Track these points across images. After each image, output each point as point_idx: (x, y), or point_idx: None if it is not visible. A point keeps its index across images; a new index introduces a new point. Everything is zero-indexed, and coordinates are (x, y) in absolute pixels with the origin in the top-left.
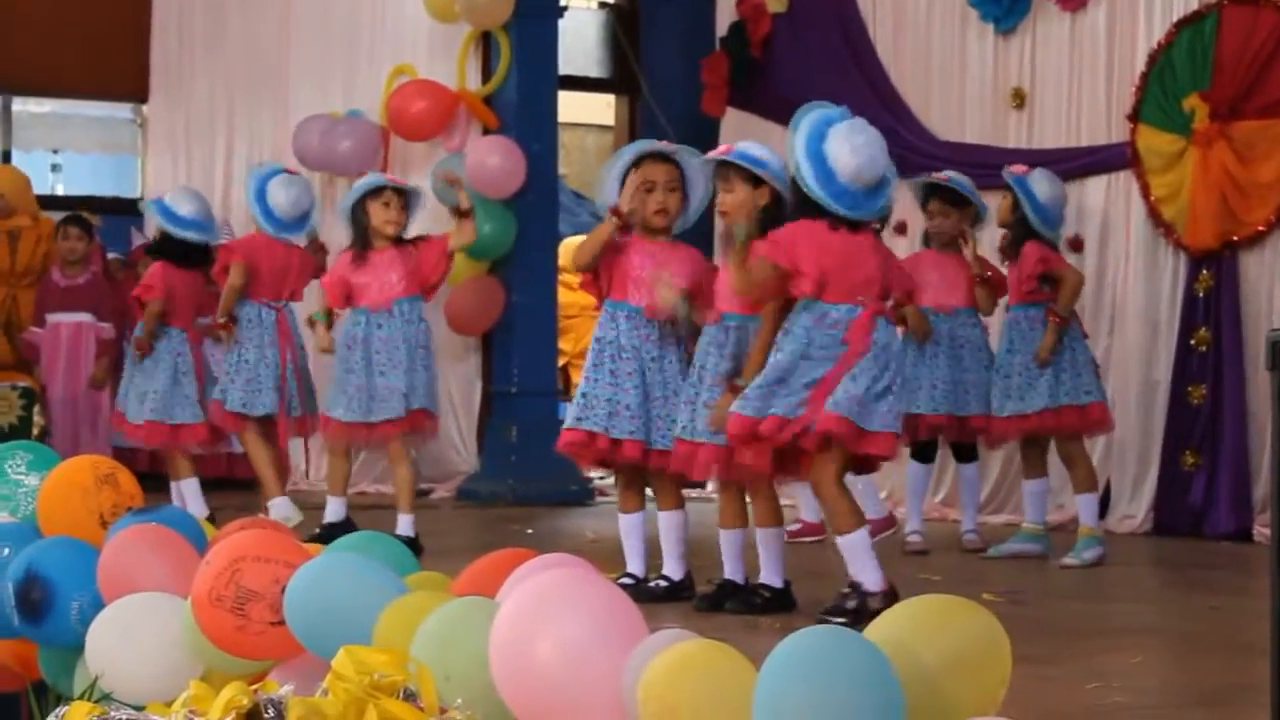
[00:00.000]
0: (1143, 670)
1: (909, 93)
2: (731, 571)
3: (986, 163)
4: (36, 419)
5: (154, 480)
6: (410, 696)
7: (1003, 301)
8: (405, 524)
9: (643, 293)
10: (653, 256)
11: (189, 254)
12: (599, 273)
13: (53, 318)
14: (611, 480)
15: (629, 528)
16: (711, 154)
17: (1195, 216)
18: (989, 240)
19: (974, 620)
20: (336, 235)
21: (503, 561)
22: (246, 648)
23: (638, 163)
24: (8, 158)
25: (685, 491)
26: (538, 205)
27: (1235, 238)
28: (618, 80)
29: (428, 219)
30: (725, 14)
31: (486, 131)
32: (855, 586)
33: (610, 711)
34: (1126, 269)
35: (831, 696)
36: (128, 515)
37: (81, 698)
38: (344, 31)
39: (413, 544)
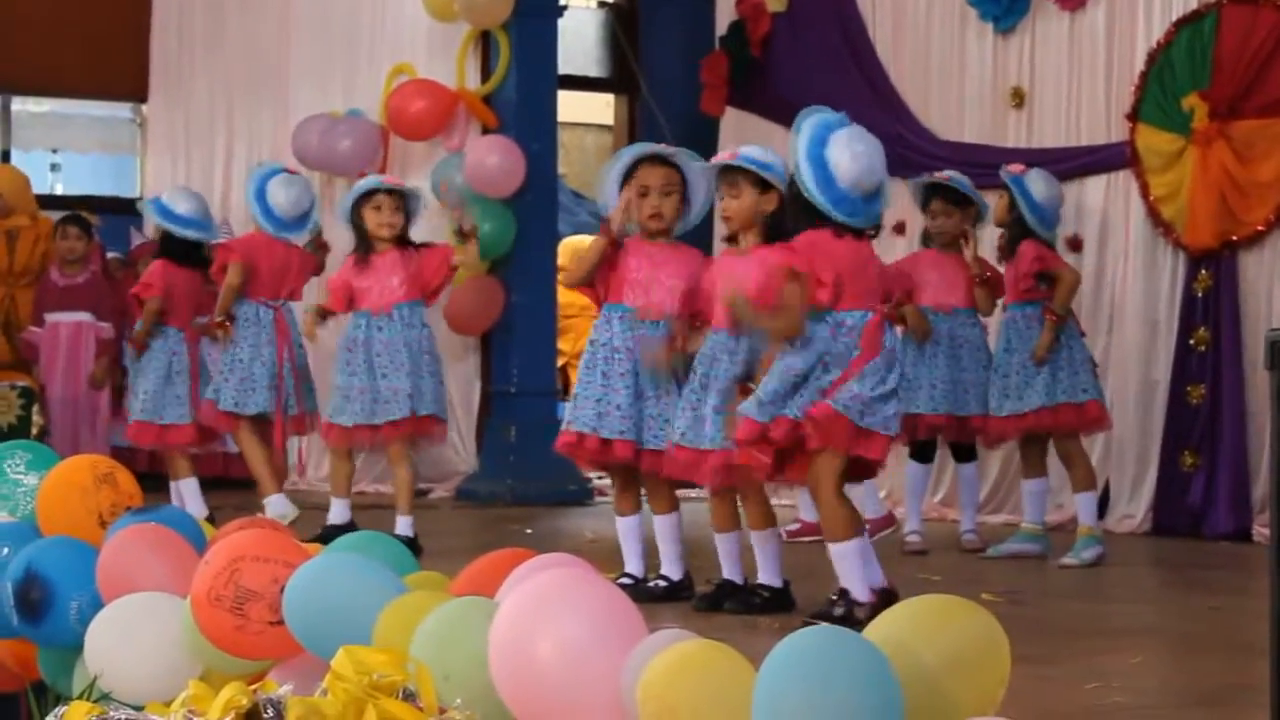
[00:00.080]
0: (1142, 670)
1: (908, 92)
2: (730, 572)
3: (986, 162)
4: (35, 418)
5: (153, 480)
6: (409, 696)
7: (1000, 301)
8: (404, 525)
9: (637, 293)
10: (649, 258)
11: (188, 252)
12: (595, 282)
13: (52, 317)
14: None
15: (626, 529)
16: (717, 158)
17: (1194, 216)
18: (988, 240)
19: (973, 620)
20: (336, 235)
21: (502, 561)
22: (245, 647)
23: (635, 166)
24: (7, 157)
25: (680, 492)
26: (537, 205)
27: (1234, 237)
28: (617, 80)
29: (429, 218)
30: (725, 13)
31: (486, 131)
32: (844, 593)
33: (609, 711)
34: (1125, 268)
35: (830, 696)
36: (127, 515)
37: (80, 697)
38: (343, 31)
39: (412, 544)
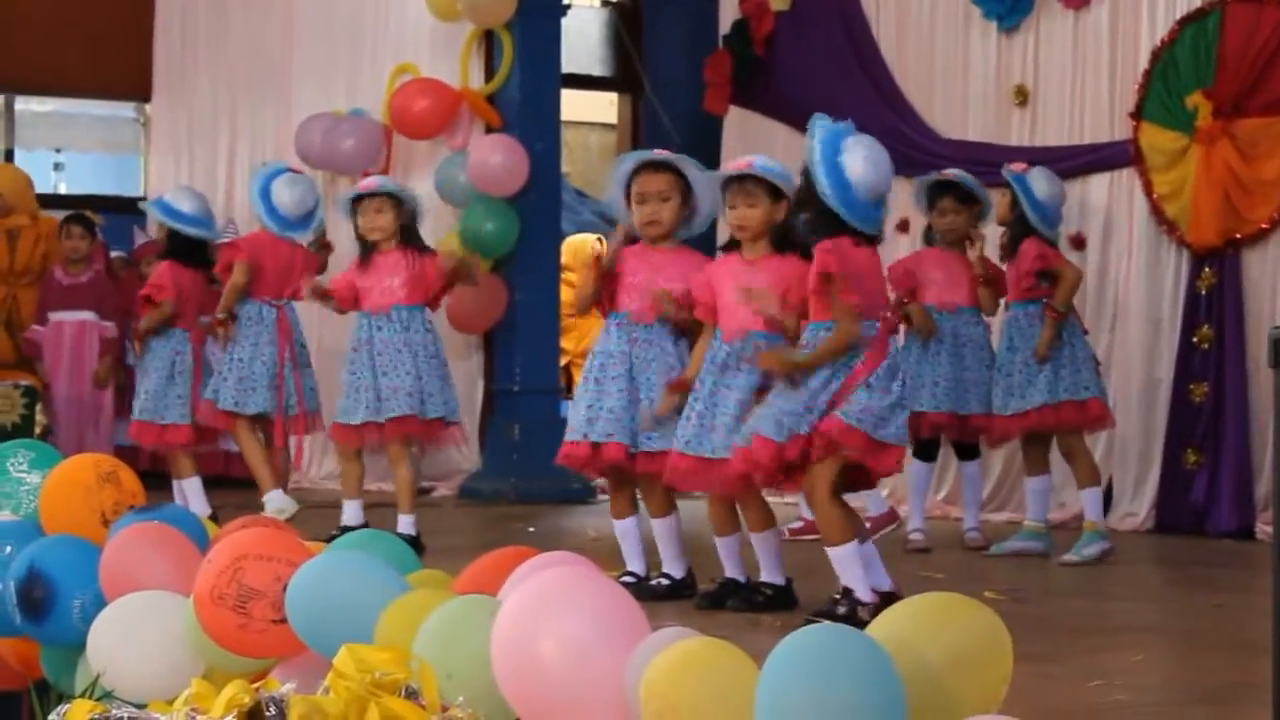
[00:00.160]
0: (1145, 668)
1: (912, 91)
2: (732, 571)
3: (989, 160)
4: (39, 417)
5: (156, 479)
6: (412, 695)
7: (1003, 300)
8: (406, 523)
9: (633, 297)
10: (648, 263)
11: (193, 252)
12: (600, 302)
13: (56, 316)
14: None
15: (623, 531)
16: (732, 167)
17: (1198, 214)
18: (991, 238)
19: (976, 618)
20: (340, 235)
21: (504, 560)
22: (248, 646)
23: (637, 171)
24: (10, 156)
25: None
26: (540, 204)
27: (1238, 235)
28: (620, 79)
29: (437, 216)
30: (728, 12)
31: (489, 130)
32: (847, 593)
33: (612, 709)
34: (1129, 266)
35: (833, 694)
36: (129, 514)
37: (83, 696)
38: (347, 30)
39: (414, 542)
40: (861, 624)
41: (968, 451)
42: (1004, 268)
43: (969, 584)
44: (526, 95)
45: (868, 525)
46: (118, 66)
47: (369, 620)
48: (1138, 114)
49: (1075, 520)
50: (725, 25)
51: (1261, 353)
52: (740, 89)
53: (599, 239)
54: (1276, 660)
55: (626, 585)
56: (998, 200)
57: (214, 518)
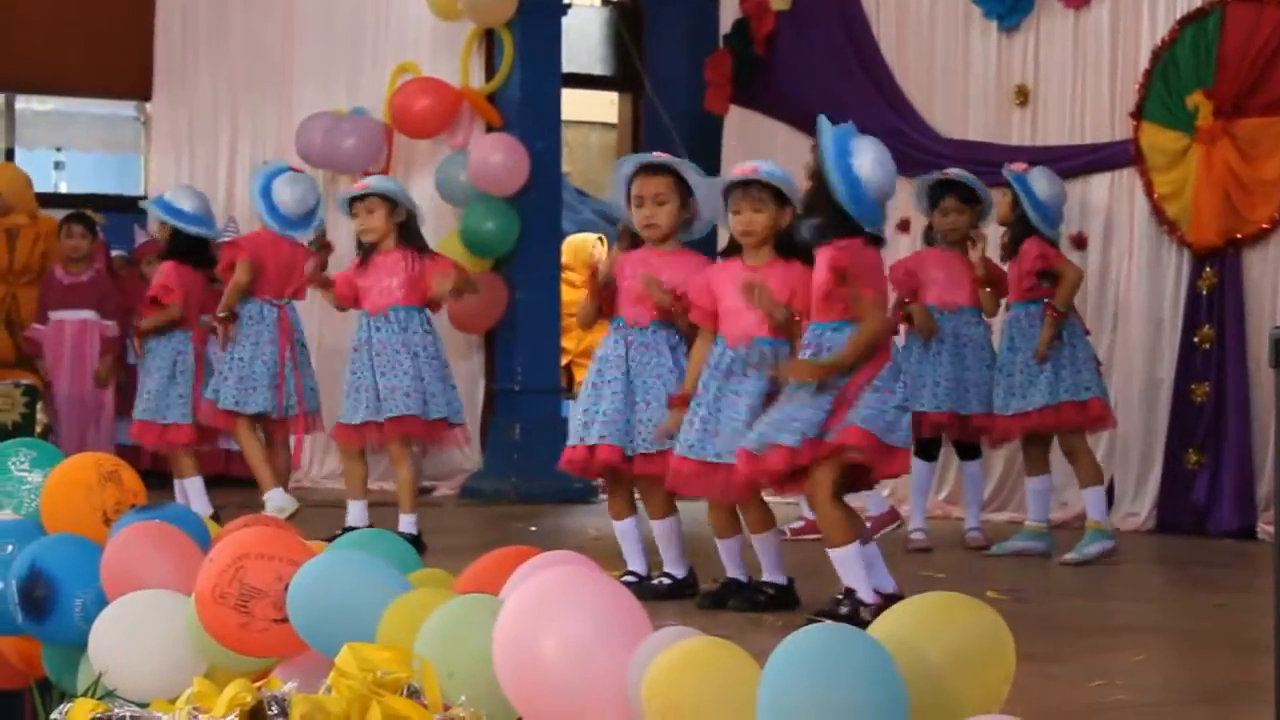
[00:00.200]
0: (1146, 668)
1: (912, 90)
2: (734, 571)
3: (990, 160)
4: (40, 416)
5: (158, 478)
6: (414, 693)
7: (1004, 300)
8: (407, 523)
9: (630, 300)
10: (646, 265)
11: (195, 250)
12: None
13: (56, 315)
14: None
15: (623, 532)
16: (737, 172)
17: (1199, 214)
18: (992, 238)
19: (978, 618)
20: (339, 234)
21: (506, 559)
22: (250, 645)
23: (636, 174)
24: (11, 155)
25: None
26: (541, 203)
27: (1239, 235)
28: (621, 78)
29: (438, 216)
30: (729, 11)
31: (490, 129)
32: (850, 593)
33: (614, 709)
34: (1130, 266)
35: (835, 694)
36: (131, 512)
37: (85, 695)
38: (347, 29)
39: (416, 542)
40: (863, 624)
41: (969, 451)
42: (1005, 268)
43: (970, 584)
44: (527, 94)
45: (868, 525)
46: (118, 65)
47: (371, 619)
48: (1138, 114)
49: (1077, 520)
50: (726, 25)
51: (1262, 353)
52: (741, 88)
53: (599, 238)
54: (1278, 660)
55: (628, 585)
56: (998, 200)
57: (215, 517)
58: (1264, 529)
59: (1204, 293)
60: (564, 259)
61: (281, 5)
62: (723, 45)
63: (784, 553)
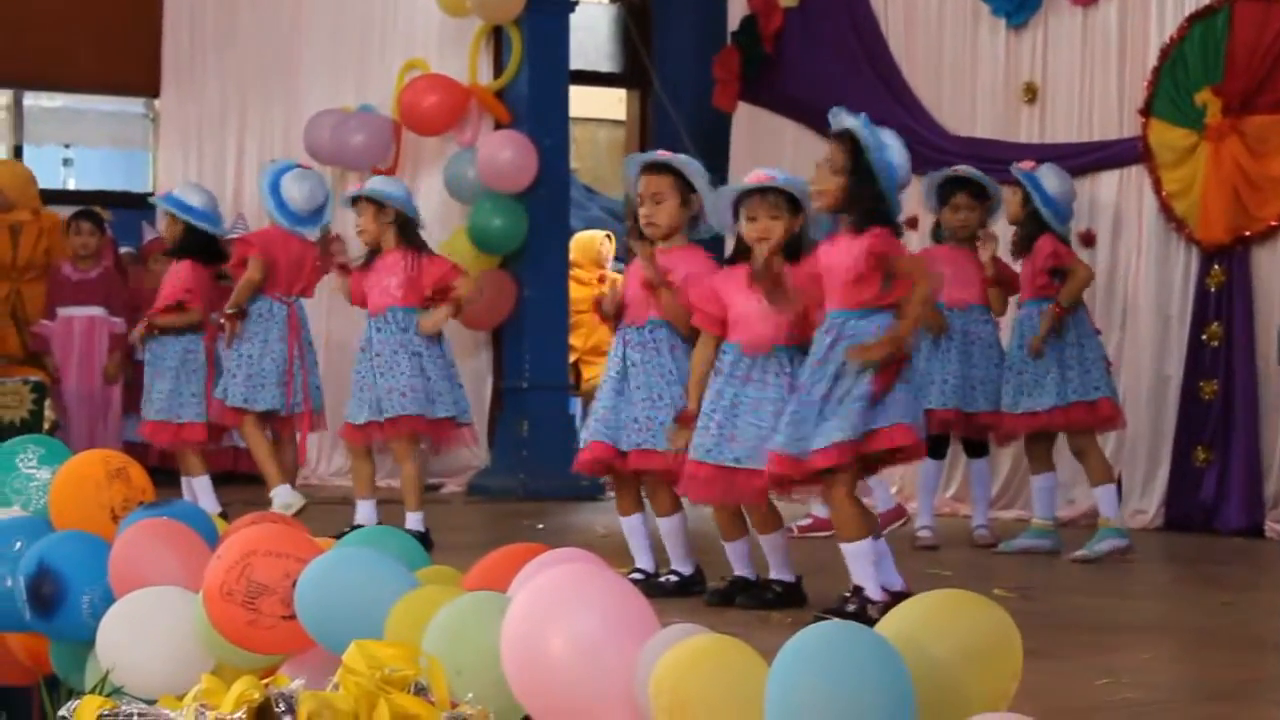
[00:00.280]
0: (1154, 666)
1: (920, 87)
2: (741, 569)
3: (998, 157)
4: (47, 413)
5: (165, 475)
6: (421, 691)
7: (1013, 299)
8: (414, 520)
9: (630, 302)
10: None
11: (206, 248)
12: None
13: (65, 311)
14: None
15: (630, 528)
16: (753, 180)
17: (1207, 211)
18: (1002, 237)
19: (985, 615)
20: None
21: (513, 556)
22: (257, 642)
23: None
24: (20, 152)
25: None
26: (549, 200)
27: (1247, 233)
28: (629, 75)
29: (447, 212)
30: (737, 9)
31: (498, 126)
32: (858, 591)
33: (622, 706)
34: (1138, 264)
35: (843, 691)
36: (139, 509)
37: (93, 692)
38: (356, 26)
39: (423, 539)
40: (871, 622)
41: (976, 449)
42: (1016, 266)
43: (978, 581)
44: (535, 91)
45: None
46: (127, 62)
47: (378, 616)
48: (1147, 111)
49: (1084, 518)
50: (734, 22)
51: (1271, 350)
52: (749, 86)
53: (608, 235)
54: None
55: (635, 582)
56: (1008, 199)
57: (223, 515)
58: (1272, 527)
59: (1212, 290)
60: (572, 256)
61: (290, 2)
62: (731, 42)
63: (791, 551)
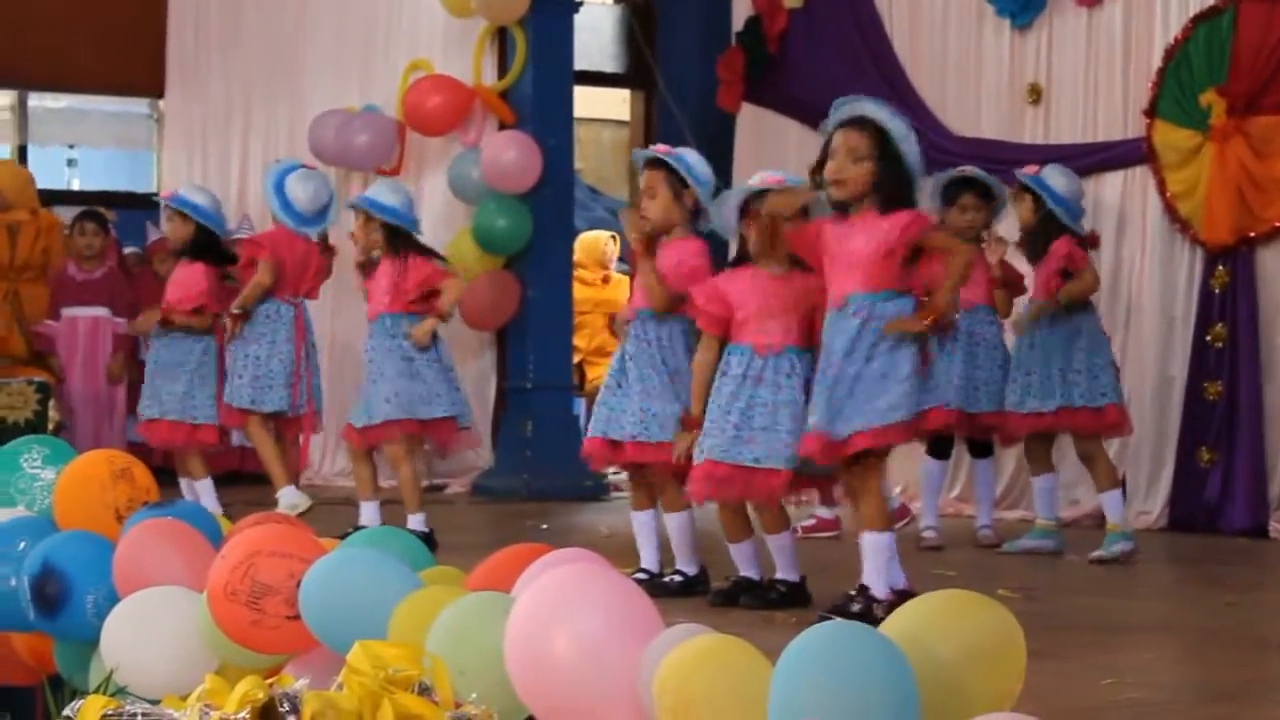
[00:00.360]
0: (1158, 666)
1: (925, 88)
2: (745, 569)
3: (1003, 158)
4: (52, 413)
5: (169, 475)
6: (425, 691)
7: (1019, 301)
8: (415, 521)
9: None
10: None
11: (213, 249)
12: None
13: (69, 312)
14: (625, 476)
15: (640, 525)
16: (767, 182)
17: (1211, 212)
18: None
19: (989, 615)
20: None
21: (517, 556)
22: (262, 642)
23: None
24: (24, 152)
25: None
26: (554, 200)
27: (1252, 234)
28: (633, 75)
29: (452, 211)
30: (741, 9)
31: (503, 126)
32: (863, 590)
33: (626, 705)
34: (1142, 264)
35: (847, 691)
36: (143, 509)
37: (97, 691)
38: (360, 26)
39: (427, 539)
40: (875, 621)
41: (981, 449)
42: (1020, 269)
43: (982, 582)
44: (540, 92)
45: None
46: (131, 63)
47: (382, 616)
48: (1151, 112)
49: (1088, 519)
50: (738, 22)
51: (1275, 351)
52: (753, 86)
53: (612, 236)
54: None
55: (639, 582)
56: (1019, 205)
57: (226, 517)
58: (1276, 527)
59: (1217, 291)
60: (576, 256)
61: (294, 2)
62: (735, 43)
63: (797, 552)
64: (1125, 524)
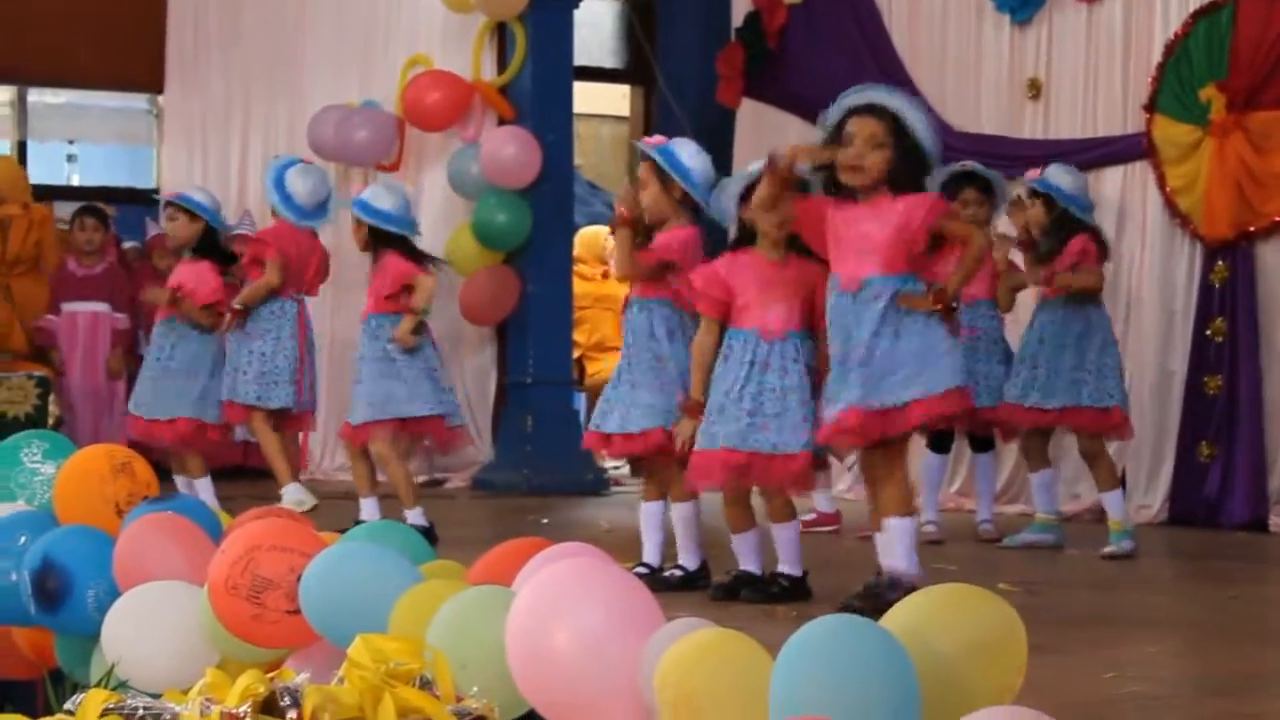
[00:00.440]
0: (1158, 660)
1: (925, 83)
2: (747, 563)
3: (1002, 153)
4: (51, 408)
5: (163, 473)
6: (426, 685)
7: (1023, 297)
8: (414, 517)
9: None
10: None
11: (216, 247)
12: None
13: (69, 307)
14: (625, 470)
15: (647, 516)
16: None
17: (1211, 207)
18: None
19: (990, 609)
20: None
21: (518, 551)
22: (262, 636)
23: None
24: (24, 148)
25: None
26: (553, 196)
27: (1251, 228)
28: (633, 71)
29: (442, 210)
30: (741, 5)
31: (502, 122)
32: (894, 578)
33: (626, 700)
34: (1142, 259)
35: (848, 685)
36: (143, 504)
37: (98, 685)
38: (359, 22)
39: (428, 533)
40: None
41: (981, 443)
42: (1022, 268)
43: (982, 576)
44: (539, 87)
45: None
46: (131, 58)
47: (383, 610)
48: (1151, 107)
49: (1089, 513)
50: (738, 18)
51: (1275, 345)
52: (752, 81)
53: (611, 232)
54: None
55: (640, 576)
56: (1030, 211)
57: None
58: (1276, 521)
59: (1216, 286)
60: (576, 252)
61: None
62: (735, 38)
63: (800, 545)
64: (1127, 521)
